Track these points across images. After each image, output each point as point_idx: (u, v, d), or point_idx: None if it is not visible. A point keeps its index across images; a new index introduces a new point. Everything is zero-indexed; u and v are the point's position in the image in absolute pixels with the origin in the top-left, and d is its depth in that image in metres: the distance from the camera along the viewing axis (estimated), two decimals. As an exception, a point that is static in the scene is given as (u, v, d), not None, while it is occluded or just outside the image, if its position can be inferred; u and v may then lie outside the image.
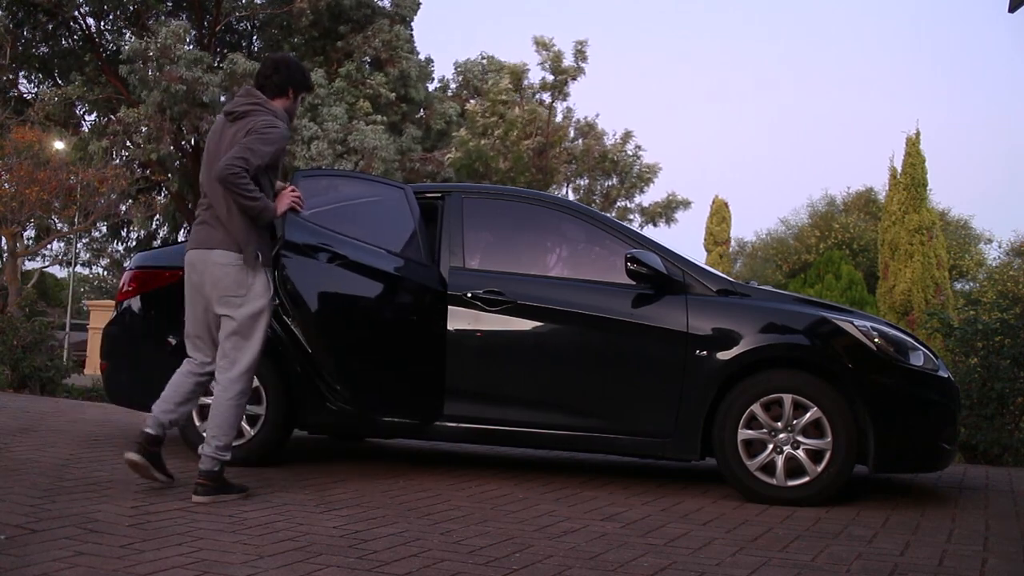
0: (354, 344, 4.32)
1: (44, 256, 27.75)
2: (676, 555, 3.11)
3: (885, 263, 13.68)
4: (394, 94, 20.22)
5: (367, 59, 20.98)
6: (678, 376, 4.23)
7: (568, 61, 17.38)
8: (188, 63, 18.06)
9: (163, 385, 4.67)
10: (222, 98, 18.85)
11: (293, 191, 3.97)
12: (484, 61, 23.66)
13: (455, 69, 24.28)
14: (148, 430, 3.77)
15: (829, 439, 4.05)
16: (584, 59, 17.42)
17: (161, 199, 22.20)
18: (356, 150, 18.26)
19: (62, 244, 25.83)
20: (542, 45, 17.35)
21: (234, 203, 3.72)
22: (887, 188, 14.14)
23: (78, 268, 28.67)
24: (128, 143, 19.16)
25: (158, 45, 17.87)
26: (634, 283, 4.34)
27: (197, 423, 4.54)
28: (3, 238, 19.55)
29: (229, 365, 3.76)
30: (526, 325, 4.43)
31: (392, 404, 4.43)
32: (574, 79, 17.53)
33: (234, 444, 4.46)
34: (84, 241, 26.23)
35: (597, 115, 19.43)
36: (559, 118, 18.29)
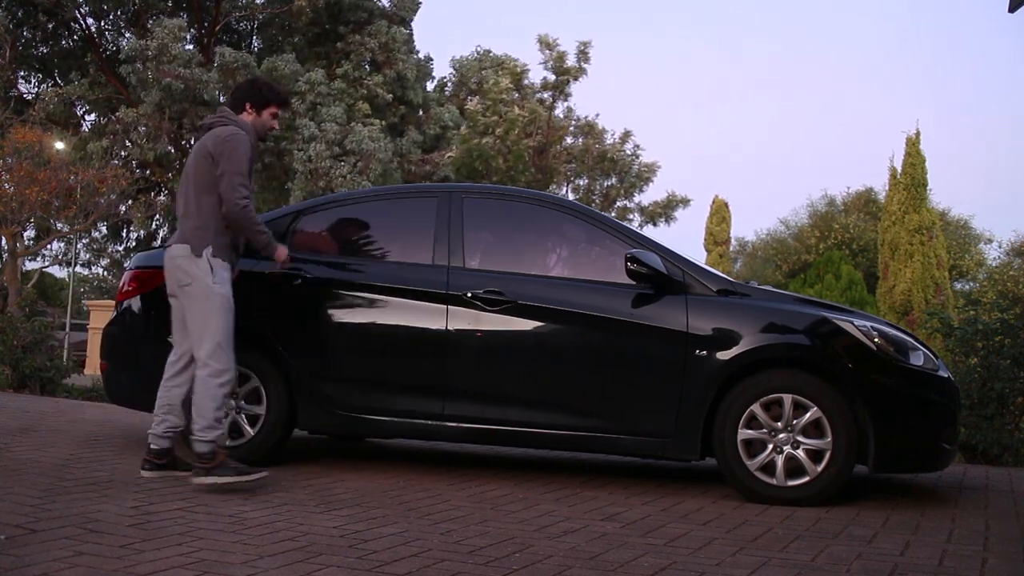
0: (349, 349, 4.46)
1: (44, 256, 27.74)
2: (676, 555, 3.11)
3: (885, 263, 13.68)
4: (391, 95, 20.19)
5: (365, 59, 20.96)
6: (678, 376, 4.23)
7: (571, 62, 17.41)
8: (185, 61, 18.03)
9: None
10: (221, 96, 18.83)
11: (290, 260, 4.36)
12: (480, 57, 23.59)
13: (451, 66, 24.22)
14: (152, 446, 4.11)
15: (829, 439, 4.05)
16: (587, 60, 17.45)
17: (161, 199, 22.20)
18: (353, 152, 18.23)
19: (62, 244, 25.83)
20: (546, 44, 17.37)
21: (241, 230, 4.10)
22: (887, 188, 14.14)
23: (78, 268, 28.67)
24: (128, 143, 19.14)
25: (156, 44, 17.85)
26: (634, 283, 4.34)
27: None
28: (3, 238, 19.55)
29: (197, 353, 3.98)
30: (526, 325, 4.42)
31: (388, 407, 4.49)
32: (576, 79, 17.55)
33: (234, 444, 4.51)
34: (84, 241, 26.22)
35: (597, 115, 19.41)
36: (560, 115, 18.29)
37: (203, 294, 3.98)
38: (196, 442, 3.92)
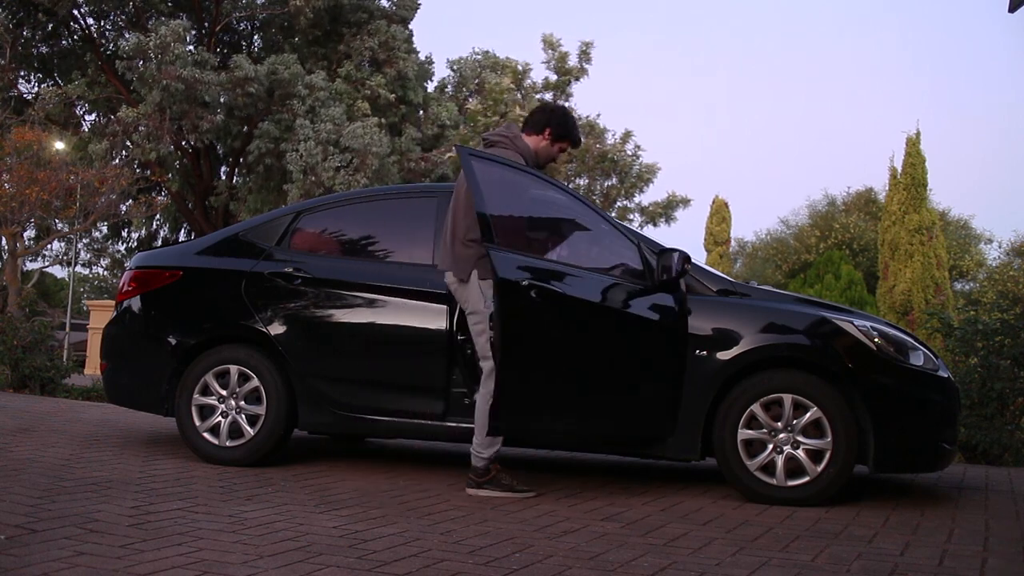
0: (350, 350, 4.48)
1: (44, 256, 27.73)
2: (676, 555, 3.11)
3: (885, 263, 13.69)
4: (393, 95, 20.16)
5: (366, 60, 20.94)
6: (678, 376, 4.22)
7: (573, 62, 17.45)
8: (187, 63, 18.00)
9: (163, 385, 4.71)
10: (222, 98, 18.80)
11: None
12: (479, 57, 23.58)
13: (449, 66, 24.18)
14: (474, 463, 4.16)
15: (829, 439, 4.05)
16: (588, 60, 17.50)
17: (161, 199, 22.20)
18: (349, 148, 18.17)
19: (62, 244, 25.83)
20: (550, 44, 17.43)
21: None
22: (887, 188, 14.16)
23: (78, 268, 28.67)
24: (128, 143, 19.12)
25: (156, 43, 17.82)
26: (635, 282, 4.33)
27: (197, 423, 4.56)
28: (3, 238, 19.55)
29: (483, 370, 4.07)
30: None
31: (388, 407, 4.50)
32: (577, 79, 17.59)
33: (234, 444, 4.52)
34: (84, 241, 26.23)
35: (599, 115, 19.43)
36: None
37: (475, 322, 4.09)
38: (472, 455, 4.09)
